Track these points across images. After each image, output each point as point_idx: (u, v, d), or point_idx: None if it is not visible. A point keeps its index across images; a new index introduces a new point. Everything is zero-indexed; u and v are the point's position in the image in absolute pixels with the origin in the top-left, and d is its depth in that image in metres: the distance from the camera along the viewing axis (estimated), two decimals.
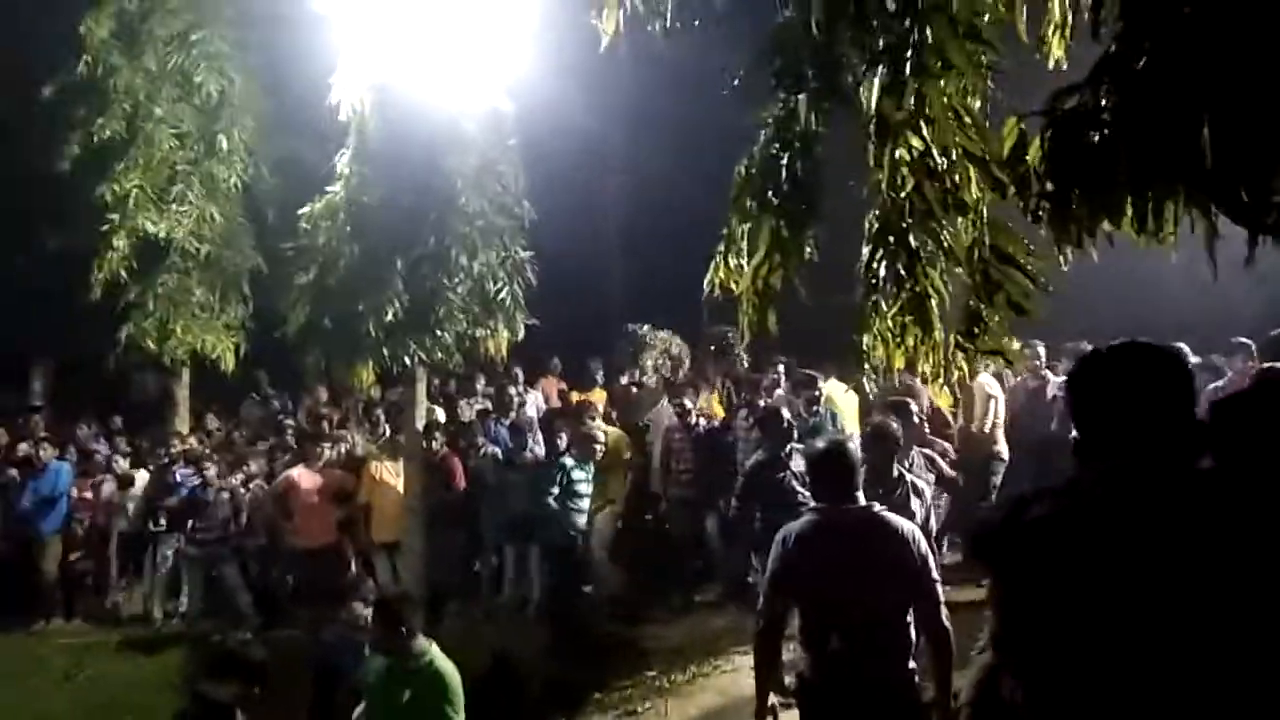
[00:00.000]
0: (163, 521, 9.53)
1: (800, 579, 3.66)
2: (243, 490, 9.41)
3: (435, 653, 4.48)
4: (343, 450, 9.39)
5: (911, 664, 3.66)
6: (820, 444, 3.98)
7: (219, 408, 12.12)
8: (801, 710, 3.73)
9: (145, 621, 9.49)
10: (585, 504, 7.98)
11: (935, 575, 3.63)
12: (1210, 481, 1.70)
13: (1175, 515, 1.63)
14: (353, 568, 8.47)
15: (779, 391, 8.73)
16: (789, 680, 3.90)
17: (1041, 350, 8.47)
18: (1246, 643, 1.57)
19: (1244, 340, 7.16)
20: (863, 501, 3.74)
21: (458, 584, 8.92)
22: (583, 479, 7.91)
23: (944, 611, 3.60)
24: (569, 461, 7.92)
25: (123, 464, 10.30)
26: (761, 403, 8.27)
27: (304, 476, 8.73)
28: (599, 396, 10.14)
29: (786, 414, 7.09)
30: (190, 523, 9.36)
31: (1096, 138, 2.63)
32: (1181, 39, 2.22)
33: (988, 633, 3.09)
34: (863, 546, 3.59)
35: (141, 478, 10.07)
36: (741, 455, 8.04)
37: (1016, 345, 7.63)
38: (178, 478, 9.57)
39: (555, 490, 7.78)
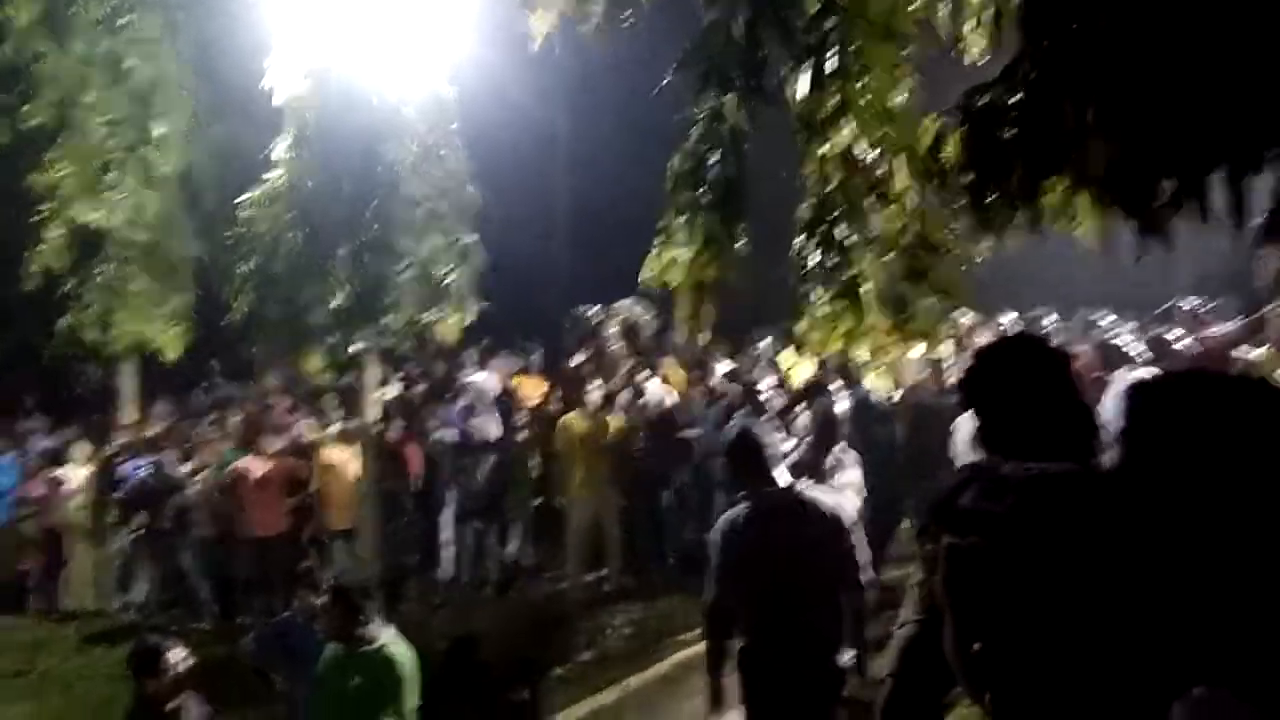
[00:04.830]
0: (114, 513, 9.44)
1: (737, 566, 3.83)
2: (194, 480, 9.35)
3: (389, 637, 4.52)
4: (294, 437, 9.36)
5: (836, 638, 3.83)
6: (733, 431, 4.12)
7: (168, 398, 11.97)
8: (742, 680, 3.90)
9: (100, 615, 9.42)
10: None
11: (856, 551, 3.82)
12: (1114, 489, 1.85)
13: (1080, 522, 1.78)
14: (307, 556, 8.48)
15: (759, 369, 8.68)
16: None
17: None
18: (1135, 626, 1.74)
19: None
20: (784, 482, 3.88)
21: (415, 568, 8.98)
22: None
23: (862, 583, 3.83)
24: None
25: (70, 457, 10.17)
26: (713, 380, 8.41)
27: (254, 465, 8.71)
28: (535, 383, 10.20)
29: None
30: (141, 514, 9.29)
31: (1007, 134, 2.77)
32: (1072, 48, 2.35)
33: (906, 610, 3.27)
34: (790, 528, 3.77)
35: (82, 472, 9.94)
36: (700, 431, 8.17)
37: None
38: (126, 469, 9.48)
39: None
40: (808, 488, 3.97)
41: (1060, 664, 1.79)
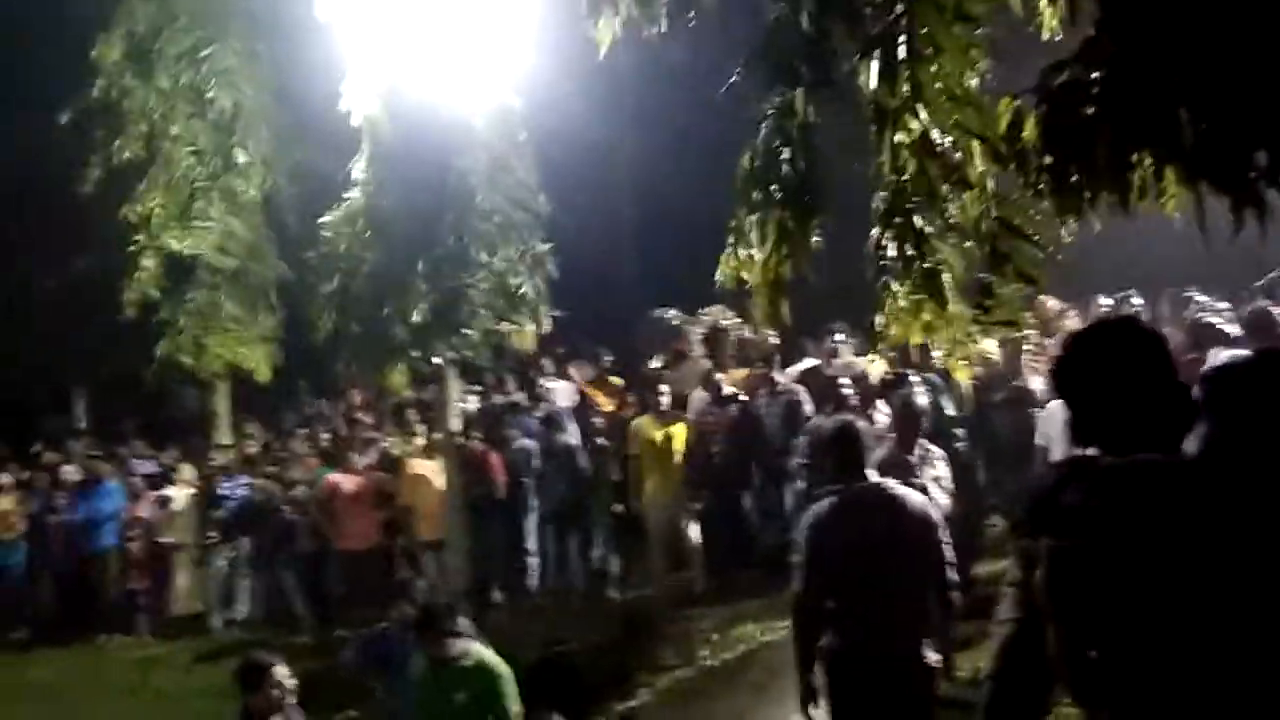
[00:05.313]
0: (213, 533, 9.76)
1: (825, 560, 3.79)
2: (288, 497, 9.61)
3: (480, 651, 4.60)
4: (380, 452, 9.57)
5: (925, 635, 3.79)
6: (830, 425, 4.18)
7: (259, 418, 12.36)
8: (828, 679, 3.84)
9: (204, 632, 9.75)
10: None
11: (945, 547, 3.77)
12: (1221, 478, 1.75)
13: (1193, 517, 1.70)
14: (400, 567, 8.64)
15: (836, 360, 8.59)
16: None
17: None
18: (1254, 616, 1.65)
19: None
20: (874, 478, 3.87)
21: (502, 576, 9.08)
22: None
23: (952, 580, 3.78)
24: None
25: (171, 479, 10.56)
26: (781, 378, 8.33)
27: (345, 480, 8.92)
28: (610, 389, 10.23)
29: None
30: (241, 532, 9.60)
31: (1089, 111, 2.67)
32: (1154, 17, 2.25)
33: (1006, 607, 3.16)
34: (881, 523, 3.73)
35: (185, 493, 10.30)
36: (768, 431, 8.11)
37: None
38: (224, 489, 9.80)
39: None
40: (896, 484, 3.91)
41: (1184, 670, 1.70)
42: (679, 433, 8.26)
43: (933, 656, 3.75)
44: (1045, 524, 1.85)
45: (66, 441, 12.01)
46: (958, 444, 6.50)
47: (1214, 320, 6.27)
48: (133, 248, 10.58)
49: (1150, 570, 1.69)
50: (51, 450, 11.62)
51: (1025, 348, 7.15)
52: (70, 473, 10.60)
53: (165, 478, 10.68)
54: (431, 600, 5.00)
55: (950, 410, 6.78)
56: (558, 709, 3.86)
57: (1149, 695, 1.72)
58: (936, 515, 3.85)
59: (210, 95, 10.80)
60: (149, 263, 10.57)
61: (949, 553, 3.79)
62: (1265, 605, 1.64)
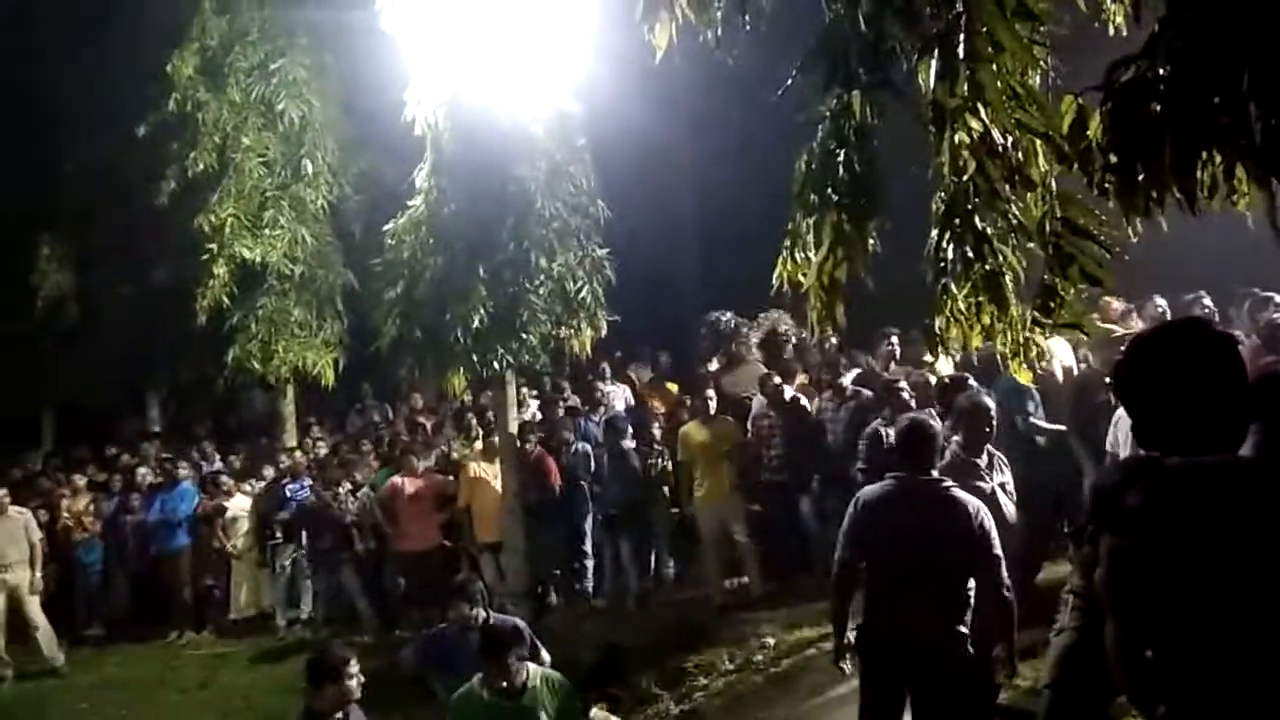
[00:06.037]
0: (279, 534, 9.98)
1: (871, 539, 4.01)
2: (351, 499, 9.79)
3: (539, 670, 4.61)
4: (441, 455, 9.70)
5: (964, 626, 3.91)
6: (907, 419, 4.37)
7: (324, 421, 12.62)
8: (861, 657, 4.06)
9: (270, 631, 9.97)
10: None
11: (996, 549, 3.88)
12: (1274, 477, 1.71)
13: (1255, 520, 1.66)
14: (460, 569, 8.74)
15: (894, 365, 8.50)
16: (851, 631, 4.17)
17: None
18: None
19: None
20: (936, 475, 4.05)
21: (560, 579, 9.14)
22: None
23: (1005, 580, 3.86)
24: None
25: (233, 482, 10.83)
26: (848, 379, 8.24)
27: (407, 483, 9.07)
28: (666, 392, 10.22)
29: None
30: (304, 533, 9.80)
31: (1156, 108, 2.61)
32: (1221, 11, 2.19)
33: (1066, 615, 3.10)
34: (931, 516, 3.90)
35: (242, 500, 10.53)
36: (831, 436, 8.05)
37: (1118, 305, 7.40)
38: (288, 491, 10.02)
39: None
40: (953, 484, 4.03)
41: (1239, 671, 1.66)
42: (727, 436, 8.24)
43: (995, 652, 3.84)
44: (1108, 523, 1.82)
45: (141, 444, 12.37)
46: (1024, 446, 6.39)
47: None
48: (206, 256, 10.88)
49: (1210, 571, 1.66)
50: (127, 452, 11.99)
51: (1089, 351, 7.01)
52: (145, 474, 10.92)
53: (234, 479, 10.93)
54: (499, 625, 4.91)
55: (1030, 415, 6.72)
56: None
57: (1204, 695, 1.68)
58: (988, 519, 3.92)
59: (280, 107, 11.08)
60: (221, 270, 10.86)
61: (999, 554, 3.86)
62: None
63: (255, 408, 14.16)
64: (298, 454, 10.76)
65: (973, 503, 3.95)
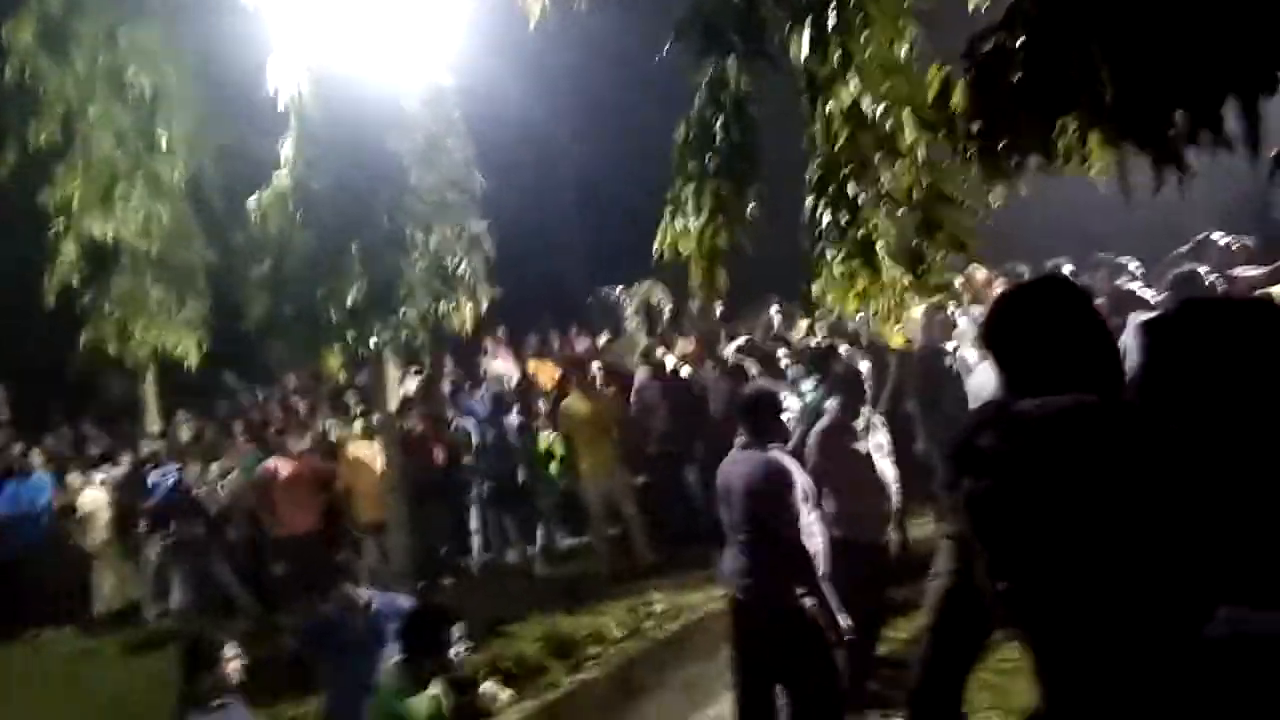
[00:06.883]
0: (143, 523, 9.54)
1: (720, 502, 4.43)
2: (220, 485, 9.44)
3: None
4: (318, 436, 9.43)
5: (778, 578, 4.21)
6: (748, 390, 4.57)
7: (189, 405, 12.09)
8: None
9: (138, 624, 9.54)
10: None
11: (795, 506, 4.12)
12: (1130, 416, 1.83)
13: (1098, 452, 1.77)
14: (340, 551, 8.54)
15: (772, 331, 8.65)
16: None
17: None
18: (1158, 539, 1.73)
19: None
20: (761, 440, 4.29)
21: (445, 557, 9.05)
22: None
23: (797, 534, 4.12)
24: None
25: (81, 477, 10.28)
26: (732, 347, 8.40)
27: (281, 465, 8.79)
28: (552, 368, 10.20)
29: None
30: (171, 522, 9.39)
31: (1015, 77, 2.74)
32: None
33: (941, 559, 3.26)
34: (744, 478, 4.24)
35: (94, 493, 10.03)
36: (712, 405, 8.18)
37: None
38: (153, 478, 9.58)
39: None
40: (778, 450, 4.26)
41: (1086, 595, 1.78)
42: (610, 409, 8.29)
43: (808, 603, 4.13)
44: (963, 466, 1.92)
45: None
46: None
47: (1132, 286, 6.49)
48: (52, 233, 10.25)
49: (1056, 505, 1.77)
50: None
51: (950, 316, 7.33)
52: None
53: (92, 467, 10.39)
54: (425, 605, 4.72)
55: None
56: (431, 655, 3.94)
57: (1054, 623, 1.81)
58: (790, 477, 4.16)
59: (130, 77, 10.48)
60: (69, 249, 10.26)
61: (793, 508, 4.11)
62: (1149, 527, 1.72)
63: (113, 393, 13.44)
64: (163, 439, 10.29)
65: (783, 460, 4.20)
